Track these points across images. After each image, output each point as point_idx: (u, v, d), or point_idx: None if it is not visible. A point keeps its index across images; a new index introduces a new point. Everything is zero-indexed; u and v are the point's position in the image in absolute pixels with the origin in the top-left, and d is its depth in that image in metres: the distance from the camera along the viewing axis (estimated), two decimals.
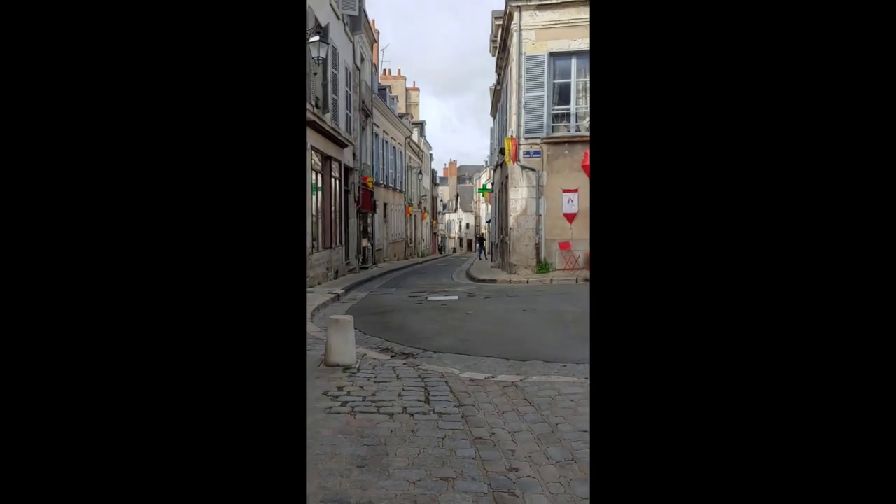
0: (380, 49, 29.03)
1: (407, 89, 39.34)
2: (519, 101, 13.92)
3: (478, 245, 32.76)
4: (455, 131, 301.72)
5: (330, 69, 13.80)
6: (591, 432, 1.34)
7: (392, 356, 5.67)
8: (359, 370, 4.94)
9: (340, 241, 15.57)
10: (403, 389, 4.34)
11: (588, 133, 13.67)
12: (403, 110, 35.01)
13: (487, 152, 34.22)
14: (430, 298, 10.55)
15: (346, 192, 16.58)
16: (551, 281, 12.57)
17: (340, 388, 4.36)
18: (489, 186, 30.79)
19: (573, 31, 13.30)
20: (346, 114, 16.17)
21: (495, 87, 21.19)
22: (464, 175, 76.76)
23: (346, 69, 16.12)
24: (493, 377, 4.68)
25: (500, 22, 17.00)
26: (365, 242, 19.85)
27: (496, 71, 19.99)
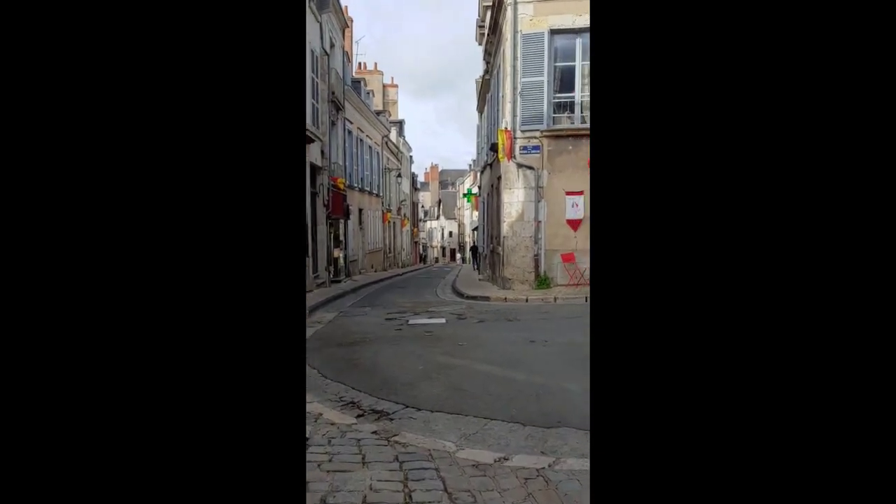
0: (354, 40, 27.79)
1: (384, 85, 38.22)
2: (514, 88, 12.61)
3: (470, 255, 31.79)
4: (435, 135, 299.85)
5: None
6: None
7: (359, 416, 4.27)
8: (307, 446, 3.52)
9: (307, 252, 14.12)
10: (371, 488, 2.94)
11: None
12: (380, 107, 33.90)
13: (469, 157, 33.58)
14: (411, 322, 9.14)
15: (314, 194, 15.15)
16: (555, 299, 11.22)
17: None
18: (475, 191, 29.61)
19: (578, 5, 12.03)
20: (313, 104, 14.76)
21: (483, 77, 19.93)
22: (446, 180, 75.95)
23: (313, 52, 14.73)
24: (506, 459, 3.30)
25: (490, 2, 15.76)
26: (337, 252, 18.50)
27: (484, 59, 18.74)
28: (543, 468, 3.14)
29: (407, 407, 4.46)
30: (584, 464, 3.21)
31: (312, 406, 4.40)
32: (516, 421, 4.02)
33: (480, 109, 22.70)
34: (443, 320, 9.23)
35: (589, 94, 12.63)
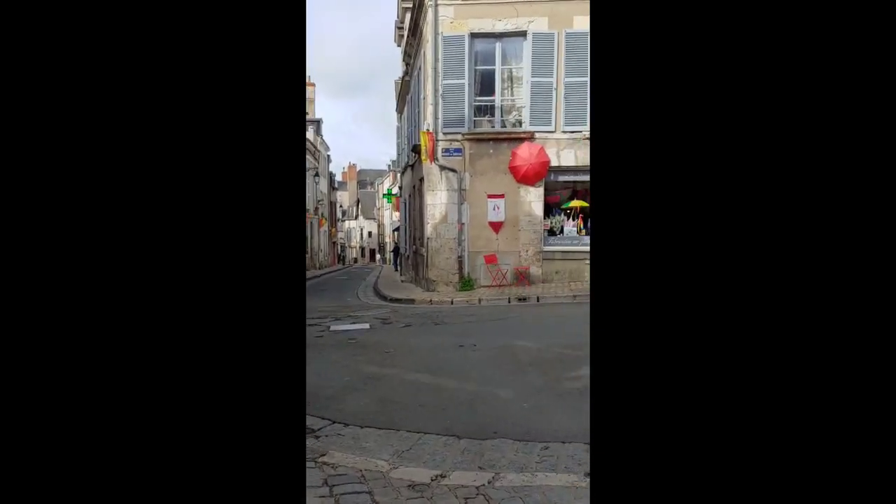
0: None
1: None
2: (436, 90, 12.51)
3: (391, 255, 31.55)
4: (351, 135, 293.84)
5: None
6: None
7: None
8: None
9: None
10: None
11: (514, 130, 12.62)
12: None
13: (387, 158, 33.55)
14: (333, 328, 8.81)
15: None
16: (479, 301, 11.22)
17: None
18: (395, 191, 29.36)
19: (498, 9, 12.09)
20: None
21: (403, 78, 19.76)
22: (365, 180, 75.14)
23: None
24: (443, 476, 3.16)
25: (410, 4, 15.61)
26: None
27: (404, 60, 18.57)
28: (483, 485, 3.02)
29: (334, 423, 4.23)
30: (524, 479, 3.12)
31: None
32: (451, 433, 3.88)
33: (400, 111, 22.50)
34: (367, 325, 8.98)
35: (507, 98, 12.75)
